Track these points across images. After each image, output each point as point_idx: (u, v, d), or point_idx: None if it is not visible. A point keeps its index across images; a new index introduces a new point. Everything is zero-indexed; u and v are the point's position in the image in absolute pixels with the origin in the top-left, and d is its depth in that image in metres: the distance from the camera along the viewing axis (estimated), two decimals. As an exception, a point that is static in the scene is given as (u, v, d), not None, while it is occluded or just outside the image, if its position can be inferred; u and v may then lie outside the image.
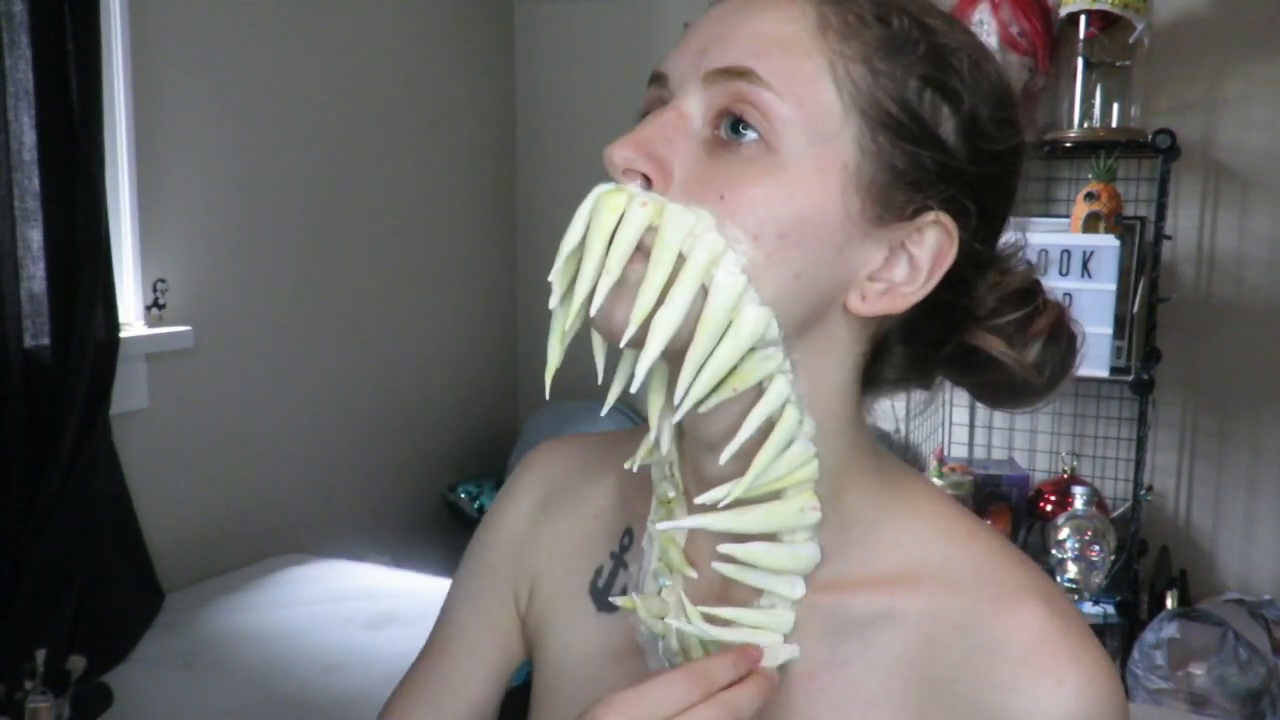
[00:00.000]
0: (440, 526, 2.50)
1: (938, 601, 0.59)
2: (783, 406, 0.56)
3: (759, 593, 0.60)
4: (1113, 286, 1.88)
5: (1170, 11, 2.12)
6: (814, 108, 0.54)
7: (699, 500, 0.57)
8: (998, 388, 0.64)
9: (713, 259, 0.53)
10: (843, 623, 0.60)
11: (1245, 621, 1.86)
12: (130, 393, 1.73)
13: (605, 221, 0.53)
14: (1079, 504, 1.99)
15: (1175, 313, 2.12)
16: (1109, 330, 1.88)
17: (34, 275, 1.54)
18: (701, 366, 0.53)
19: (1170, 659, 1.82)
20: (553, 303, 0.57)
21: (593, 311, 0.54)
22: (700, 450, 0.62)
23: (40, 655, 1.26)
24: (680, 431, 0.63)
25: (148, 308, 1.78)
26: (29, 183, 1.52)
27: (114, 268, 1.60)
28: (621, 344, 0.54)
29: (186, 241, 1.86)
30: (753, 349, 0.54)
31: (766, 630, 0.59)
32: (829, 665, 0.59)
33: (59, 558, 1.50)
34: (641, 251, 0.54)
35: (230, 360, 1.96)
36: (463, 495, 2.44)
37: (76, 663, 1.34)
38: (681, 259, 0.53)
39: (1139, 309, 2.01)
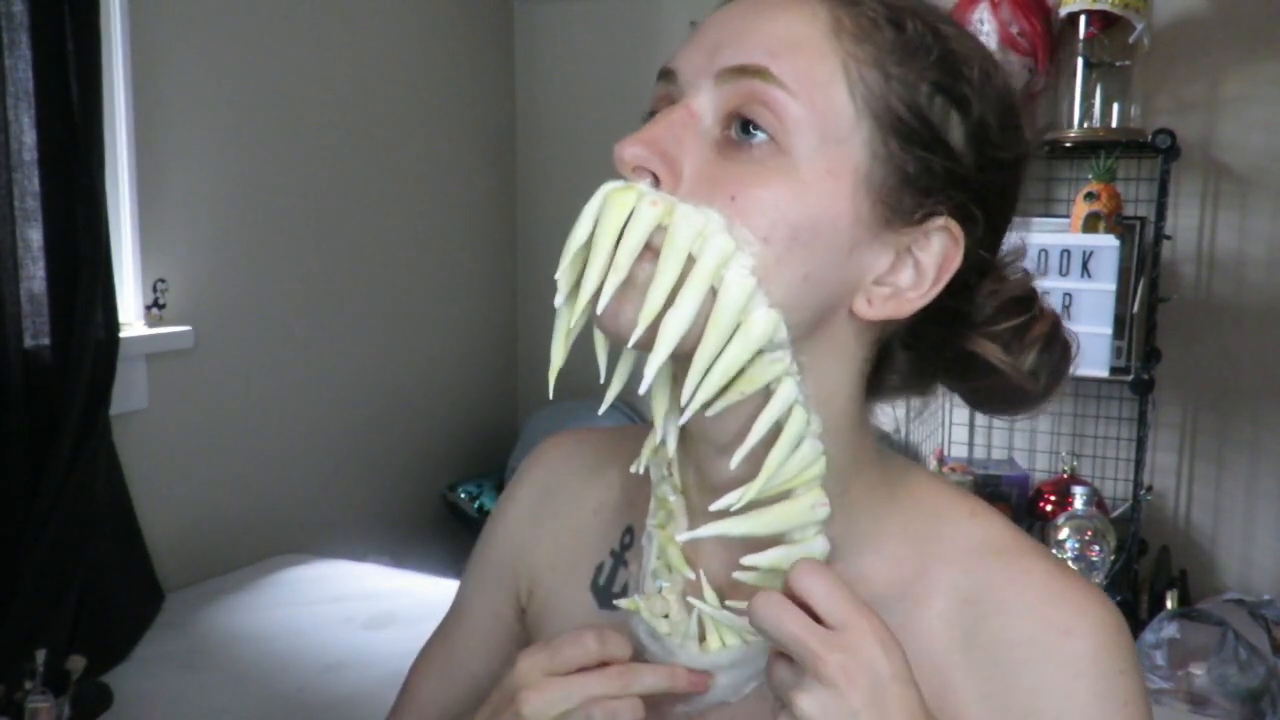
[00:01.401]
0: (440, 526, 2.50)
1: (945, 579, 0.60)
2: (790, 408, 0.56)
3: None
4: (1113, 286, 1.88)
5: (1170, 11, 2.12)
6: (827, 110, 0.54)
7: (713, 508, 0.57)
8: (994, 394, 0.65)
9: (723, 260, 0.53)
10: None
11: (1245, 621, 1.86)
12: (130, 393, 1.73)
13: (614, 219, 0.53)
14: (1079, 504, 1.99)
15: (1175, 313, 2.11)
16: (1109, 330, 1.88)
17: (34, 275, 1.54)
18: (709, 368, 0.53)
19: (1170, 659, 1.81)
20: (558, 300, 0.56)
21: (599, 310, 0.53)
22: (708, 453, 0.61)
23: (40, 655, 1.26)
24: (685, 433, 0.63)
25: (148, 308, 1.78)
26: (29, 183, 1.52)
27: (114, 268, 1.60)
28: (629, 344, 0.54)
29: (186, 241, 1.86)
30: (761, 351, 0.54)
31: None
32: None
33: (59, 558, 1.50)
34: (650, 251, 0.53)
35: (230, 360, 1.96)
36: (463, 495, 2.44)
37: (76, 663, 1.34)
38: (691, 260, 0.53)
39: (1139, 309, 2.01)
